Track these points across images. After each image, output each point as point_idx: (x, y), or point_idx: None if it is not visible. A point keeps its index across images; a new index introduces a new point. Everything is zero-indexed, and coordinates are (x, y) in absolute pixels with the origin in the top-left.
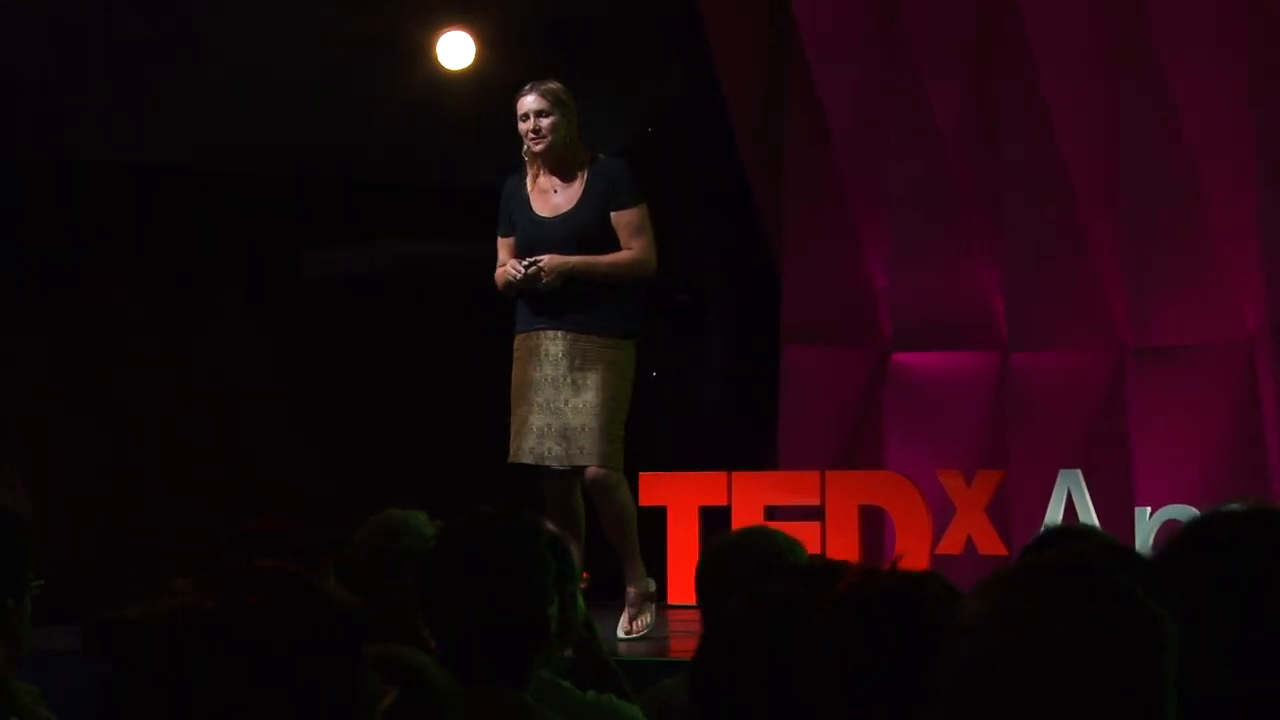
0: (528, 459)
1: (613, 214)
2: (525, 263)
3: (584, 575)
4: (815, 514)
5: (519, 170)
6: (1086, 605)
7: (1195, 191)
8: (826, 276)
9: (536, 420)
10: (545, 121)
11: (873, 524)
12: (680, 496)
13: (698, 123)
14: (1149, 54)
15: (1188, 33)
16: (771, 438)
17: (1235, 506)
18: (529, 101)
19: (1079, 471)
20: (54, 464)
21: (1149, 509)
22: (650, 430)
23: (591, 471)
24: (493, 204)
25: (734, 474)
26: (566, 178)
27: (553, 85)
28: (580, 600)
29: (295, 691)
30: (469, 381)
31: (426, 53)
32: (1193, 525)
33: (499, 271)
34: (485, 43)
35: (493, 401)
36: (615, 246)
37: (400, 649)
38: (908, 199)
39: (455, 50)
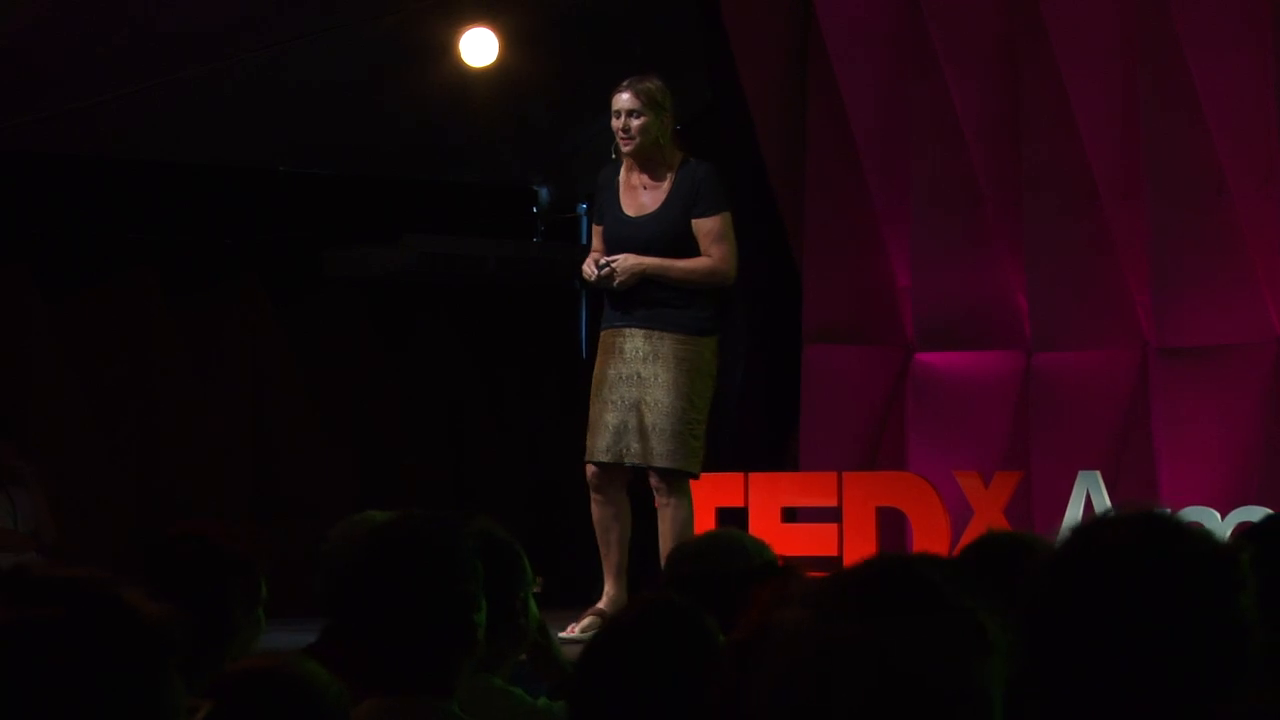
0: (604, 458)
1: (694, 220)
2: (601, 262)
3: (538, 579)
4: (833, 515)
5: (617, 159)
6: (906, 613)
7: (1221, 188)
8: (849, 276)
9: (611, 418)
10: (636, 122)
11: (892, 525)
12: (697, 497)
13: (719, 121)
14: (1174, 51)
15: (1213, 30)
16: (793, 438)
17: (1121, 511)
18: (623, 100)
19: (1098, 473)
20: (77, 462)
21: (1169, 511)
22: None
23: (658, 472)
24: (515, 201)
25: (750, 475)
26: (656, 178)
27: (649, 84)
28: (533, 605)
29: (91, 705)
30: (492, 380)
31: (449, 50)
32: (1079, 530)
33: (585, 263)
34: (508, 40)
35: (516, 400)
36: (696, 251)
37: (291, 659)
38: (930, 198)
39: (478, 48)
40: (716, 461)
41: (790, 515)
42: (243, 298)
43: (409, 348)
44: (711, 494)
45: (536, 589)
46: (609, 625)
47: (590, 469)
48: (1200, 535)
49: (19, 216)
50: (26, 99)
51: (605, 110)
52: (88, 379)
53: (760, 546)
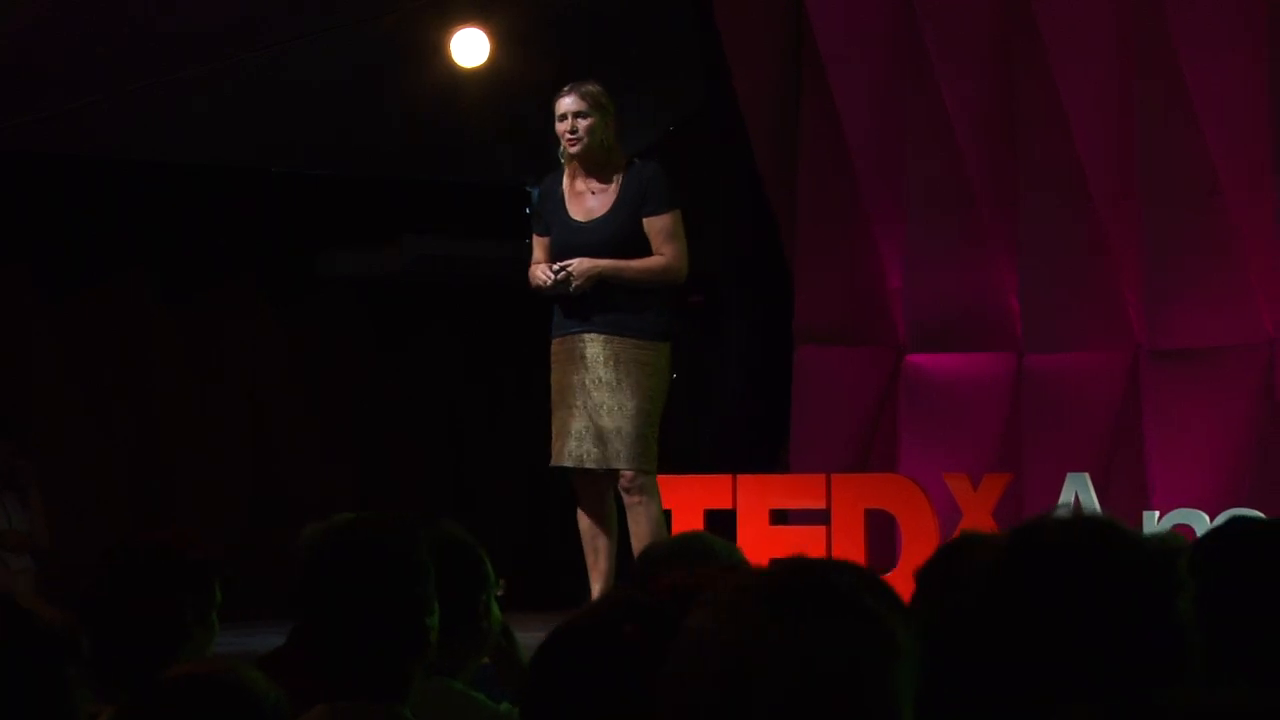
0: (568, 462)
1: (645, 219)
2: (555, 268)
3: (501, 581)
4: (822, 518)
5: (557, 169)
6: (815, 617)
7: (1214, 190)
8: (840, 277)
9: (575, 424)
10: (583, 123)
11: (881, 528)
12: (685, 499)
13: (712, 122)
14: (1168, 53)
15: (1206, 31)
16: (785, 439)
17: (1061, 514)
18: (567, 102)
19: (1086, 475)
20: (74, 464)
21: (1158, 513)
22: (663, 432)
23: (625, 474)
24: (511, 201)
25: (739, 477)
26: (602, 181)
27: (592, 87)
28: (495, 608)
29: None
30: (490, 380)
31: (441, 51)
32: (1018, 532)
33: (532, 270)
34: (500, 40)
35: (514, 400)
36: (648, 251)
37: (230, 665)
38: (923, 199)
39: (469, 48)
40: (706, 463)
41: (781, 518)
42: (240, 299)
43: (406, 348)
44: (700, 496)
45: (499, 591)
46: (563, 626)
47: (575, 479)
48: (1138, 538)
49: (16, 217)
50: (24, 100)
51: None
52: (85, 380)
53: (730, 549)
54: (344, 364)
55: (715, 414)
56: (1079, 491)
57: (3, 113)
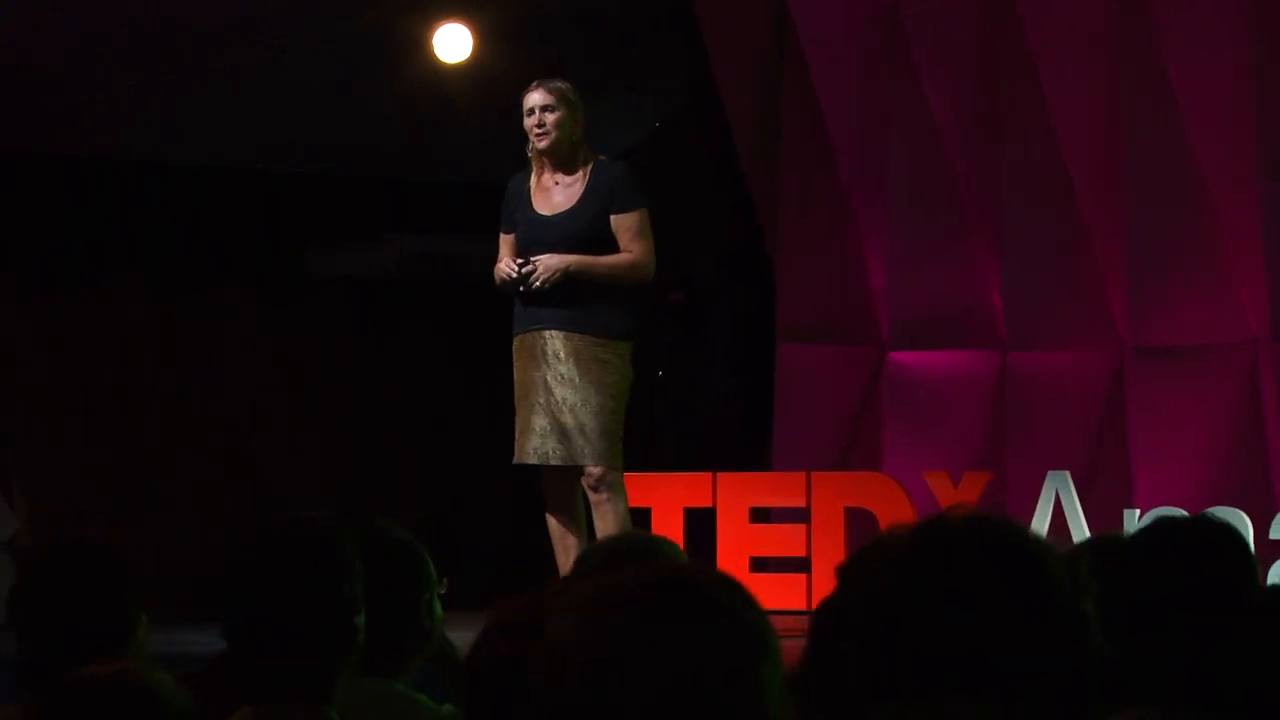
0: (531, 459)
1: (613, 217)
2: (519, 262)
3: (444, 580)
4: (802, 516)
5: (525, 168)
6: (682, 617)
7: (1198, 190)
8: (824, 275)
9: (538, 421)
10: (550, 117)
11: (861, 526)
12: (665, 498)
13: (694, 121)
14: (1152, 50)
15: (1191, 29)
16: (767, 438)
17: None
18: (535, 97)
19: (1067, 473)
20: (60, 465)
21: (1138, 511)
22: (645, 430)
23: (591, 471)
24: (498, 199)
25: (719, 475)
26: (569, 177)
27: (560, 83)
28: (438, 607)
29: None
30: (477, 379)
31: (423, 46)
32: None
33: (496, 266)
34: (484, 36)
35: (502, 399)
36: (614, 248)
37: (135, 667)
38: (906, 196)
39: (452, 43)
40: (687, 461)
41: (762, 516)
42: (228, 298)
43: (392, 348)
44: (680, 494)
45: (442, 590)
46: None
47: (543, 479)
48: (1038, 538)
49: (3, 217)
50: (13, 100)
51: (585, 109)
52: (71, 382)
53: (674, 549)
54: (333, 363)
55: (697, 412)
56: (1059, 489)
57: None
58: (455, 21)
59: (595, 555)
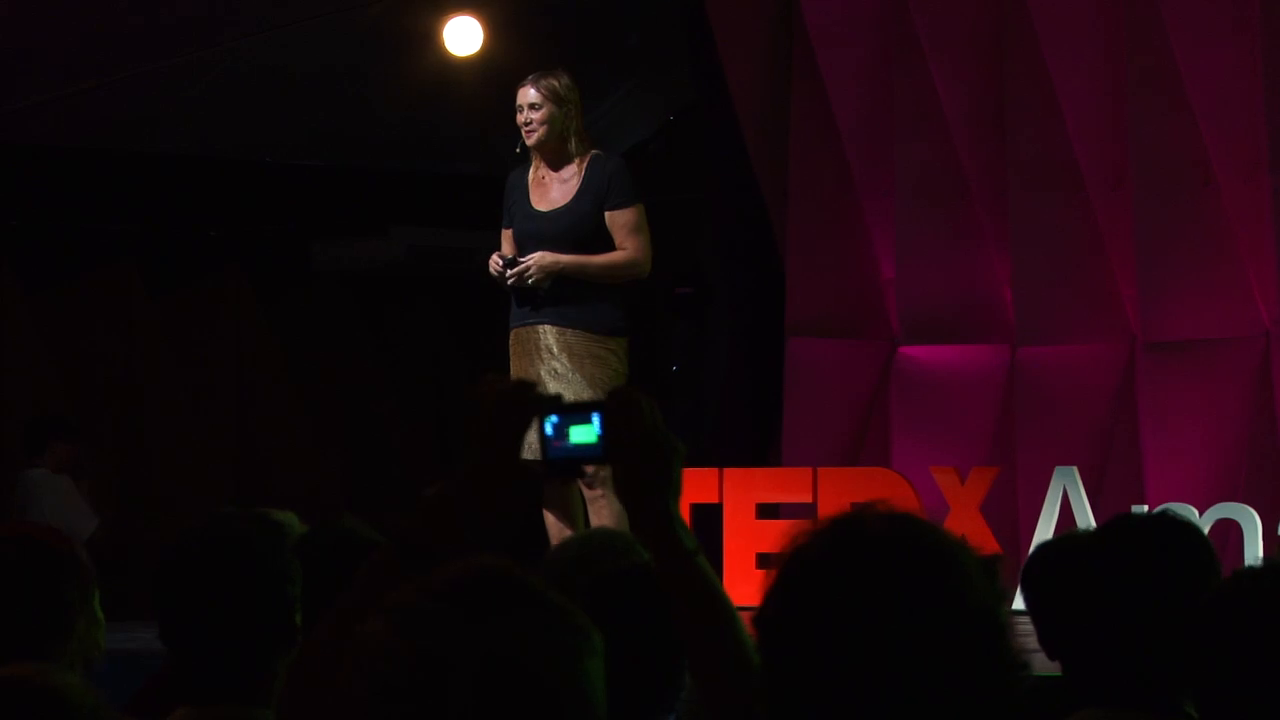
0: (526, 455)
1: (608, 213)
2: (509, 258)
3: None
4: (809, 512)
5: (525, 162)
6: (506, 613)
7: (1208, 181)
8: (832, 267)
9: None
10: (536, 115)
11: None
12: None
13: (703, 113)
14: (1161, 42)
15: (1200, 21)
16: (775, 432)
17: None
18: (525, 94)
19: (1075, 469)
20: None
21: (1146, 507)
22: None
23: (586, 468)
24: (504, 192)
25: (725, 470)
26: (564, 173)
27: (552, 80)
28: None
29: None
30: (482, 371)
31: (434, 39)
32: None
33: (490, 261)
34: (493, 29)
35: None
36: (609, 243)
37: (42, 669)
38: (915, 188)
39: (462, 36)
40: (694, 457)
41: (769, 512)
42: (228, 291)
43: (397, 341)
44: (686, 490)
45: None
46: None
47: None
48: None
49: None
50: (11, 89)
51: (594, 100)
52: (69, 374)
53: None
54: (335, 355)
55: (704, 406)
56: (1067, 485)
57: None
58: (466, 14)
59: (566, 551)
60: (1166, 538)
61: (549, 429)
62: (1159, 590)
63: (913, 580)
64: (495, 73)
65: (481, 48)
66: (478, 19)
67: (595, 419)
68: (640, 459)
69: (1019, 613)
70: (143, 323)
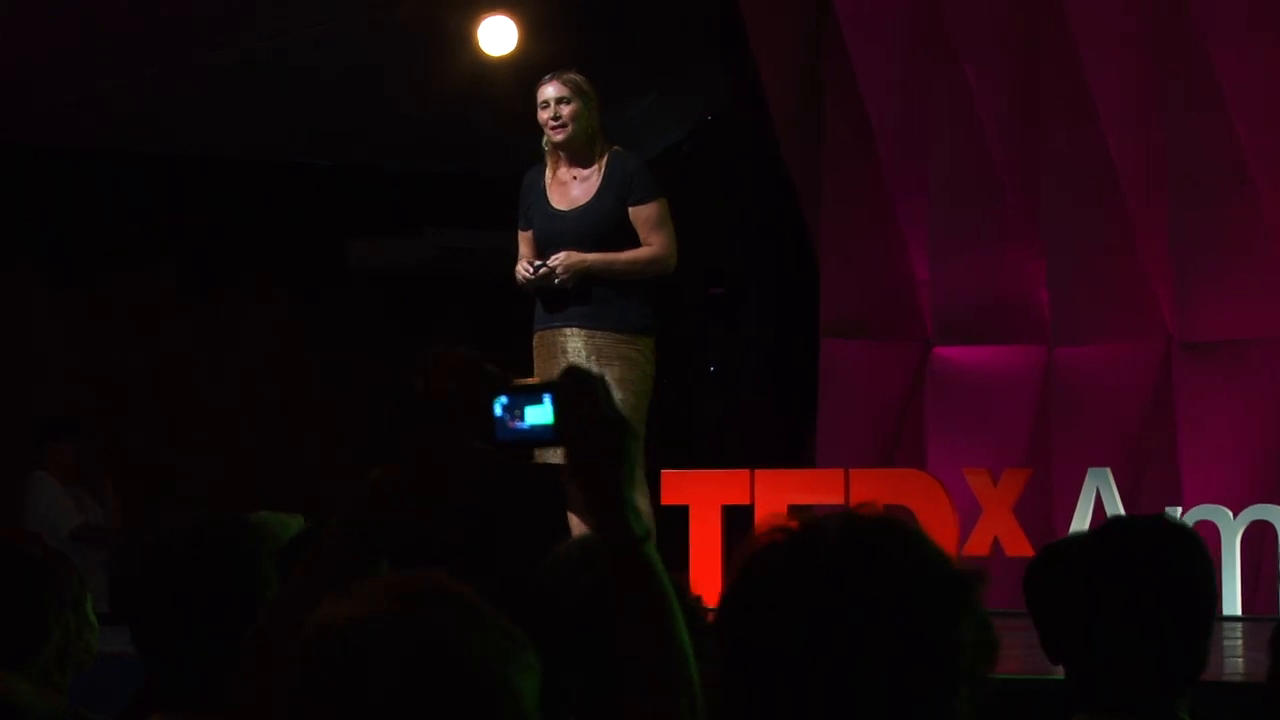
0: (552, 458)
1: (631, 209)
2: (536, 264)
3: None
4: None
5: (540, 162)
6: (442, 609)
7: (1243, 180)
8: (867, 268)
9: None
10: (566, 109)
11: None
12: (702, 495)
13: (736, 115)
14: (1195, 40)
15: (1234, 20)
16: (807, 434)
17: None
18: (549, 90)
19: (1108, 470)
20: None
21: (1180, 509)
22: (686, 425)
23: None
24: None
25: (756, 472)
26: (585, 170)
27: (574, 75)
28: None
29: None
30: (513, 373)
31: (469, 39)
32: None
33: (516, 269)
34: (527, 29)
35: None
36: (632, 240)
37: None
38: (949, 189)
39: (496, 36)
40: (727, 458)
41: (796, 514)
42: (262, 290)
43: (428, 340)
44: (718, 491)
45: None
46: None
47: (565, 478)
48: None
49: (34, 210)
50: (39, 92)
51: (626, 101)
52: (101, 375)
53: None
54: (366, 356)
55: (736, 408)
56: (1100, 487)
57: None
58: (499, 14)
59: (568, 552)
60: (1158, 542)
61: (499, 410)
62: (1149, 594)
63: (859, 591)
64: (529, 73)
65: (516, 47)
66: (512, 19)
67: (547, 400)
68: (592, 441)
69: (1014, 615)
70: (174, 324)
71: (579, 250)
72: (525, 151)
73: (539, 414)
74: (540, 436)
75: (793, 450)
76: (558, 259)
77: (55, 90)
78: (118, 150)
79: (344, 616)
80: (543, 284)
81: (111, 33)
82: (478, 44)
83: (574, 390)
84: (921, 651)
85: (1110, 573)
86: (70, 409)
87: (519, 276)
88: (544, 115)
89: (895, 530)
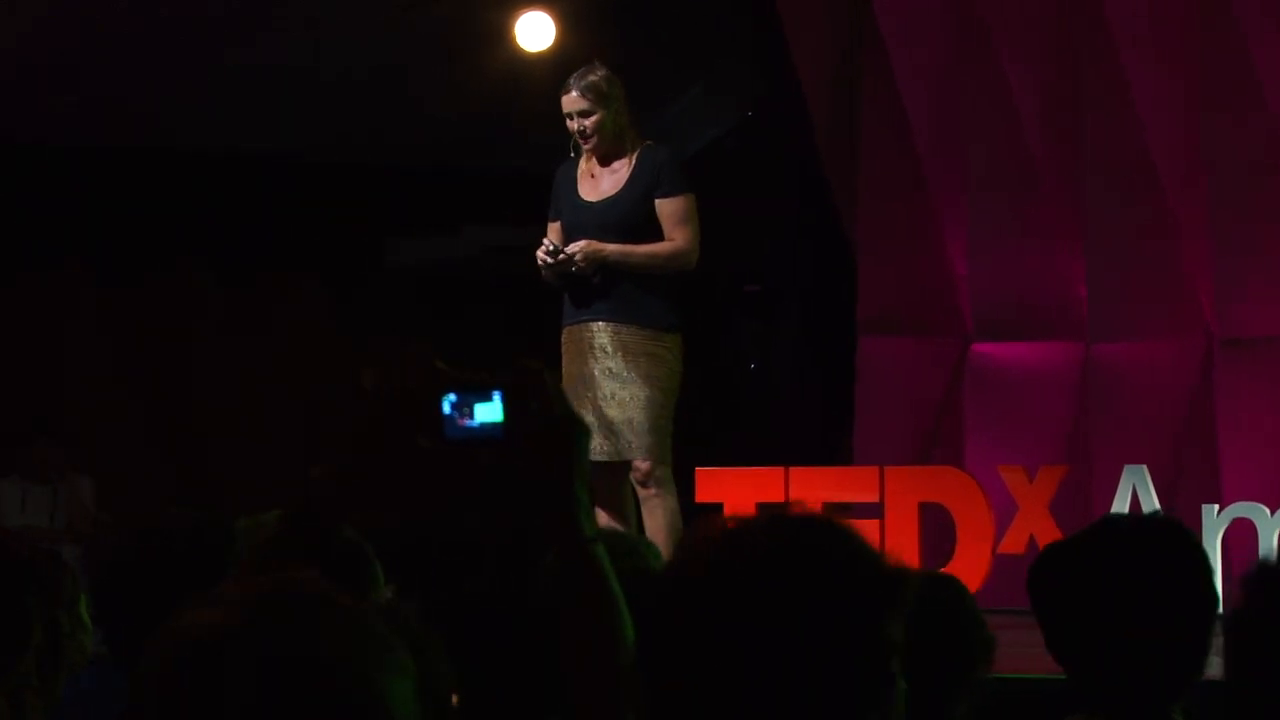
0: (599, 456)
1: (657, 201)
2: (553, 247)
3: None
4: (876, 511)
5: (575, 153)
6: (306, 611)
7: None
8: (904, 264)
9: (584, 415)
10: (589, 121)
11: (935, 521)
12: (736, 492)
13: (773, 109)
14: (1233, 31)
15: (1273, 14)
16: (844, 431)
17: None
18: (570, 101)
19: (1144, 468)
20: (125, 456)
21: (1216, 506)
22: (722, 423)
23: (639, 465)
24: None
25: (791, 469)
26: (615, 164)
27: (593, 79)
28: None
29: None
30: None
31: (505, 36)
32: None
33: (538, 250)
34: (565, 25)
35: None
36: (659, 234)
37: None
38: (987, 183)
39: (534, 32)
40: (763, 455)
41: (840, 511)
42: (301, 288)
43: (466, 338)
44: (752, 488)
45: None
46: None
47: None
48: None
49: (70, 209)
50: (77, 91)
51: (666, 100)
52: (138, 371)
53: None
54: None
55: (773, 405)
56: (1136, 484)
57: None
58: (536, 9)
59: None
60: (1152, 540)
61: (447, 407)
62: (1142, 593)
63: (784, 590)
64: (568, 69)
65: (553, 43)
66: (549, 14)
67: (497, 398)
68: (543, 439)
69: (1015, 612)
70: (214, 321)
71: (603, 241)
72: (563, 148)
73: (489, 411)
74: (489, 434)
75: (830, 448)
76: (576, 246)
77: (100, 91)
78: (160, 149)
79: (200, 624)
80: (561, 270)
81: (152, 33)
82: (515, 40)
83: (524, 387)
84: (849, 651)
85: (1103, 572)
86: (109, 405)
87: (538, 259)
88: (570, 126)
89: (823, 529)
